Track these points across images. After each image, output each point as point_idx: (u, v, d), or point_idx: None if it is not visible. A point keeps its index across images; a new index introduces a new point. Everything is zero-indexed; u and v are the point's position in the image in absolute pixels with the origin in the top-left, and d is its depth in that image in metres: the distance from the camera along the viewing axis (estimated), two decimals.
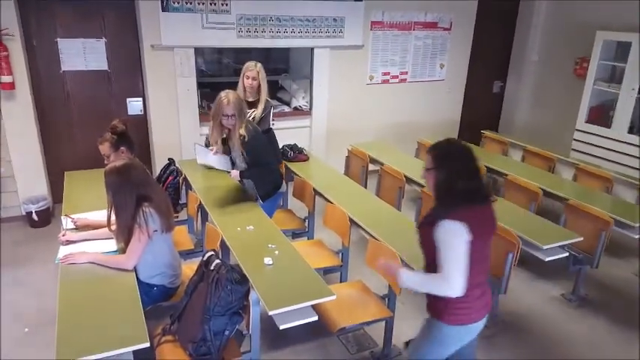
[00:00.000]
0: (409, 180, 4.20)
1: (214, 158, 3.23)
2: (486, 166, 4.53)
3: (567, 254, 3.18)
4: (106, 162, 3.02)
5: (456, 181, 1.90)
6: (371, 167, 4.59)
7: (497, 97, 7.04)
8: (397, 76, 5.94)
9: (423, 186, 3.94)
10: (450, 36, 6.08)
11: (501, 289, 3.04)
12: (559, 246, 3.12)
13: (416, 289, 2.03)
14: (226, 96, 3.04)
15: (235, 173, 3.21)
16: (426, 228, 1.95)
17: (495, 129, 6.92)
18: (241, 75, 3.75)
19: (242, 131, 3.08)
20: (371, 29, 5.57)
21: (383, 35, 5.67)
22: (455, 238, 1.86)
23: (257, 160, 3.17)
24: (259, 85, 3.72)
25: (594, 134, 5.43)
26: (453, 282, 1.87)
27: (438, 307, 2.03)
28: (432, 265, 1.98)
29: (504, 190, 4.20)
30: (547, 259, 3.07)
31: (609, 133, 5.29)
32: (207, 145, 3.48)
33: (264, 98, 3.74)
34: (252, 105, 3.74)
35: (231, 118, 3.04)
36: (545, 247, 3.05)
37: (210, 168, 3.51)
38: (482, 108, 6.87)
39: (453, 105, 6.45)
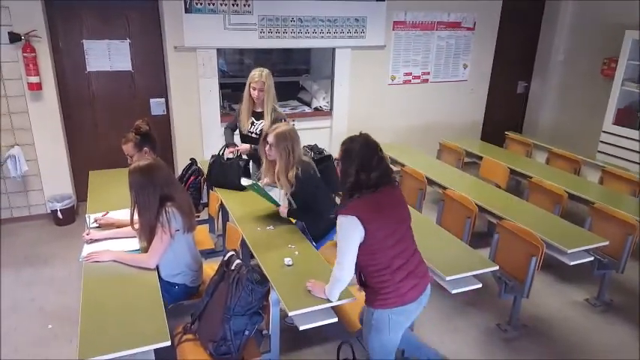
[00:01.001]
0: (430, 181, 4.18)
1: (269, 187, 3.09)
2: (510, 168, 4.47)
3: (592, 258, 3.12)
4: (129, 162, 3.07)
5: (350, 174, 2.06)
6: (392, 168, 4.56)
7: (521, 98, 6.93)
8: (419, 77, 5.90)
9: (445, 188, 3.92)
10: (474, 36, 6.00)
11: (524, 293, 3.00)
12: (584, 250, 3.07)
13: (335, 293, 2.23)
14: (276, 127, 2.84)
15: (284, 210, 2.97)
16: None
17: (519, 130, 6.81)
18: (247, 85, 3.55)
19: (291, 175, 2.81)
20: (393, 29, 5.54)
21: (405, 35, 5.64)
22: (346, 232, 2.04)
23: (308, 206, 2.88)
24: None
25: (621, 136, 5.29)
26: (345, 268, 2.11)
27: (368, 297, 2.20)
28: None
29: (528, 192, 4.13)
30: (571, 263, 3.02)
31: (637, 135, 5.15)
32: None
33: (269, 109, 3.53)
34: (261, 116, 3.62)
35: (271, 148, 2.82)
36: (569, 250, 3.00)
37: (251, 189, 3.17)
38: (505, 109, 6.77)
39: (476, 106, 6.37)
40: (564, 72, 6.38)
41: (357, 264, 2.13)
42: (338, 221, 2.06)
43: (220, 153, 3.62)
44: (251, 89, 3.54)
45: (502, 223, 3.21)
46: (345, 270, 2.13)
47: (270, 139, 2.82)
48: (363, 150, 2.10)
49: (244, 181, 3.21)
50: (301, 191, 2.84)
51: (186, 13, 4.57)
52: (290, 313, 2.21)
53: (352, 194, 2.08)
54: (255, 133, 3.62)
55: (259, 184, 3.05)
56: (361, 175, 2.06)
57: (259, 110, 3.64)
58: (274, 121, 3.43)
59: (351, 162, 2.09)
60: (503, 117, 6.72)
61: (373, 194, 2.08)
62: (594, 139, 5.58)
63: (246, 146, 3.61)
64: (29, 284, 3.60)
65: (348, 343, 2.65)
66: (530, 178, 4.18)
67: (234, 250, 2.60)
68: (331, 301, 2.27)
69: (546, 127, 6.64)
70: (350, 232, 2.03)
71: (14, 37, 4.06)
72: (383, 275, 2.12)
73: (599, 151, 5.45)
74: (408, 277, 2.16)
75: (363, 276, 2.19)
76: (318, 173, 2.91)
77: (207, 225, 3.79)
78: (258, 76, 3.47)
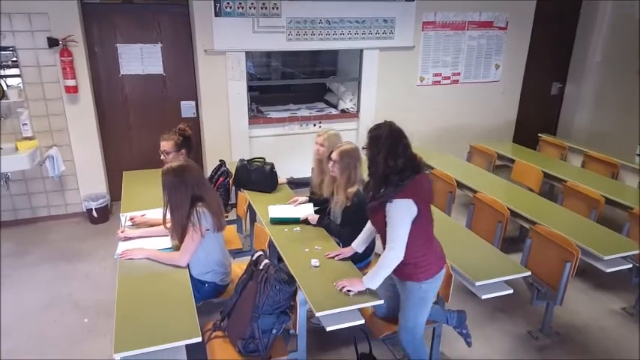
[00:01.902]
0: (460, 185, 4.15)
1: (296, 209, 3.19)
2: (543, 172, 4.39)
3: (630, 265, 3.03)
4: (163, 158, 3.19)
5: (388, 161, 2.15)
6: None
7: (555, 100, 6.78)
8: (449, 77, 5.85)
9: (475, 191, 3.89)
10: (506, 35, 5.92)
11: (557, 300, 2.95)
12: (621, 257, 2.99)
13: (377, 280, 2.30)
14: (340, 145, 2.93)
15: (314, 219, 3.05)
16: (377, 208, 2.24)
17: (553, 133, 6.67)
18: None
19: (350, 191, 2.87)
20: (422, 30, 5.52)
21: (435, 35, 5.61)
22: (402, 214, 2.16)
23: (353, 225, 2.85)
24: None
25: None
26: (397, 251, 2.21)
27: (408, 272, 2.32)
28: (384, 238, 2.27)
29: (563, 197, 4.05)
30: (608, 270, 2.95)
31: None
32: None
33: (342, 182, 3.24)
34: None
35: (334, 164, 2.90)
36: (606, 257, 2.93)
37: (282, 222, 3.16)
38: (539, 110, 6.65)
39: (509, 107, 6.28)
40: (601, 73, 6.22)
41: None
42: (393, 206, 2.16)
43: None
44: (316, 144, 3.39)
45: (535, 227, 3.17)
46: (399, 253, 2.22)
47: (334, 156, 2.91)
48: (389, 137, 2.20)
49: (272, 211, 3.21)
50: (354, 209, 2.88)
51: (215, 16, 4.68)
52: (317, 314, 2.24)
53: (383, 180, 2.19)
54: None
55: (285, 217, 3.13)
56: (389, 162, 2.16)
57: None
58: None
59: (379, 149, 2.18)
60: (537, 119, 6.59)
61: (415, 179, 2.19)
62: (632, 142, 5.42)
63: (314, 217, 3.20)
64: (66, 279, 3.75)
65: (364, 334, 2.65)
66: (565, 182, 4.09)
67: (262, 250, 2.66)
68: (371, 289, 2.33)
69: (582, 130, 6.48)
70: (406, 214, 2.17)
71: (52, 42, 4.25)
72: (426, 248, 2.32)
73: (637, 154, 5.28)
74: (437, 247, 2.42)
75: (405, 255, 2.25)
76: None
77: (235, 225, 3.87)
78: (324, 132, 3.37)
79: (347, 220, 2.96)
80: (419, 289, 2.35)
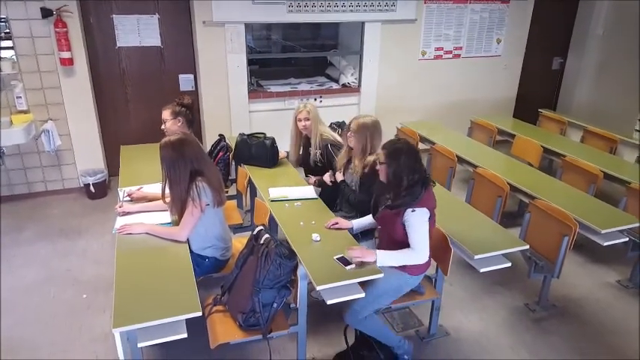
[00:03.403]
0: (461, 160, 4.12)
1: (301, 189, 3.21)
2: (543, 147, 4.36)
3: (627, 239, 3.04)
4: (162, 127, 3.20)
5: (404, 175, 2.34)
6: (421, 146, 4.51)
7: (556, 74, 6.70)
8: (451, 52, 5.75)
9: (475, 166, 3.86)
10: (509, 9, 5.79)
11: (554, 273, 2.96)
12: (618, 230, 2.98)
13: (391, 264, 2.42)
14: (359, 117, 2.99)
15: (327, 177, 3.20)
16: (393, 217, 2.40)
17: (553, 108, 6.61)
18: (293, 120, 3.55)
19: (368, 159, 2.92)
20: (425, 2, 5.39)
21: (437, 8, 5.48)
22: (422, 219, 2.36)
23: (368, 196, 2.83)
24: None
25: None
26: (424, 254, 2.39)
27: (403, 265, 2.46)
28: (394, 242, 2.44)
29: (562, 171, 4.03)
30: (605, 243, 2.95)
31: None
32: None
33: (316, 137, 3.47)
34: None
35: (352, 134, 2.96)
36: (603, 231, 2.92)
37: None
38: (540, 85, 6.57)
39: (510, 82, 6.20)
40: (602, 47, 6.11)
41: (405, 242, 2.42)
42: (416, 214, 2.34)
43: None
44: (297, 121, 3.51)
45: (534, 202, 3.15)
46: (424, 256, 2.40)
47: (353, 126, 2.97)
48: (409, 153, 2.38)
49: (272, 193, 3.18)
50: (369, 179, 2.88)
51: None
52: (317, 288, 2.24)
53: (405, 192, 2.35)
54: (316, 162, 3.55)
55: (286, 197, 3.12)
56: (411, 176, 2.35)
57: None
58: (320, 145, 3.47)
59: (399, 163, 2.35)
60: (537, 94, 6.52)
61: (427, 190, 2.39)
62: (632, 118, 5.37)
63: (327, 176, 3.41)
64: (64, 255, 3.74)
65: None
66: (564, 156, 4.06)
67: (263, 225, 2.63)
68: (379, 265, 2.39)
69: (582, 105, 6.41)
70: (425, 221, 2.37)
71: (46, 13, 4.12)
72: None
73: (636, 130, 5.24)
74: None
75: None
76: None
77: (236, 201, 3.84)
78: (303, 106, 3.49)
79: (362, 187, 2.98)
80: (406, 279, 2.51)
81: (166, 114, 3.23)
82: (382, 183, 2.49)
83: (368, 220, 2.77)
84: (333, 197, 3.22)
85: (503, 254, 2.66)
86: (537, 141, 4.43)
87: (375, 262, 2.36)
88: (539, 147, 4.36)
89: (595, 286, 3.52)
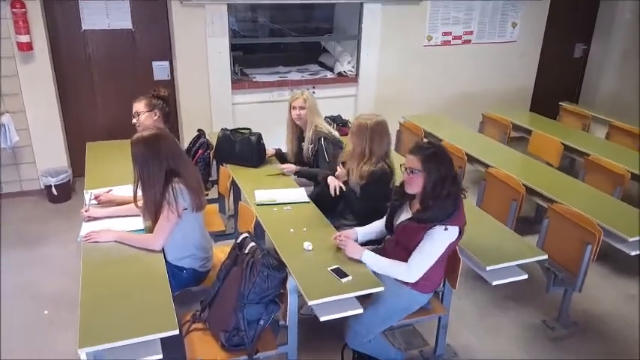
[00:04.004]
0: (471, 158, 4.14)
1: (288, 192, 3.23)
2: (564, 144, 4.39)
3: None
4: (134, 121, 3.18)
5: (446, 185, 2.32)
6: None
7: (578, 63, 6.75)
8: (460, 37, 5.79)
9: (488, 166, 3.88)
10: None
11: (576, 286, 2.98)
12: None
13: (374, 269, 2.44)
14: (364, 116, 3.01)
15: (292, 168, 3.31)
16: (416, 227, 2.38)
17: (575, 100, 6.65)
18: (288, 108, 3.59)
19: (364, 169, 2.92)
20: None
21: None
22: (445, 242, 2.36)
23: (369, 201, 2.95)
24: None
25: None
26: (415, 274, 2.40)
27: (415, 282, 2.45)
28: (408, 255, 2.42)
29: (584, 172, 4.06)
30: (633, 252, 2.98)
31: None
32: None
33: (310, 130, 3.50)
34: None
35: (352, 135, 2.97)
36: (631, 239, 2.95)
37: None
38: (560, 75, 6.62)
39: (526, 71, 6.24)
40: (630, 33, 6.17)
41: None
42: (445, 234, 2.34)
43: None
44: (292, 109, 3.55)
45: (553, 206, 3.18)
46: (415, 278, 2.42)
47: (353, 126, 2.99)
48: (449, 160, 2.37)
49: (258, 196, 3.19)
50: (371, 187, 2.92)
51: None
52: (309, 303, 2.24)
53: (438, 206, 2.34)
54: (309, 159, 3.59)
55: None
56: (453, 187, 2.34)
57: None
58: (313, 140, 3.49)
59: (441, 174, 2.32)
60: (557, 85, 6.57)
61: (461, 203, 2.40)
62: None
63: (292, 166, 3.57)
64: (23, 266, 3.73)
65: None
66: (587, 155, 4.10)
67: (248, 232, 2.64)
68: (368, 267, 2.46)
69: (607, 97, 6.47)
70: (445, 244, 2.37)
71: None
72: (442, 265, 2.53)
73: None
74: None
75: None
76: (392, 184, 2.97)
77: (217, 204, 3.85)
78: (299, 94, 3.55)
79: (364, 194, 2.99)
80: (416, 297, 2.52)
81: (140, 106, 3.22)
82: (403, 191, 2.48)
83: (375, 228, 2.77)
84: (333, 202, 3.19)
85: (518, 265, 2.68)
86: (557, 137, 4.46)
87: (359, 260, 2.45)
88: (560, 144, 4.39)
89: (621, 300, 3.56)
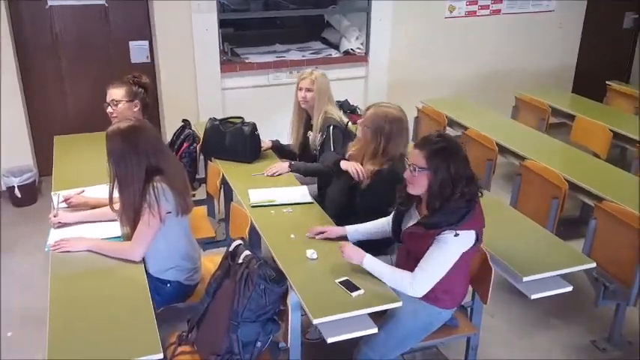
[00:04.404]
0: (503, 149, 4.12)
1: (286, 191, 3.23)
2: (612, 131, 4.35)
3: None
4: (110, 111, 3.18)
5: (457, 187, 2.29)
6: (450, 132, 4.52)
7: (628, 35, 6.72)
8: (488, 7, 5.77)
9: (523, 158, 3.86)
10: None
11: (630, 300, 2.96)
12: None
13: (374, 274, 2.44)
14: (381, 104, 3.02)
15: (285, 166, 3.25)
16: (424, 233, 2.37)
17: (626, 79, 6.61)
18: (295, 89, 3.63)
19: (370, 167, 2.94)
20: None
21: None
22: (458, 250, 2.35)
23: (372, 201, 2.96)
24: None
25: None
26: (420, 287, 2.39)
27: (433, 296, 2.45)
28: (411, 264, 2.44)
29: (638, 164, 4.03)
30: None
31: None
32: None
33: (318, 116, 3.53)
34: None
35: (364, 126, 2.96)
36: None
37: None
38: (607, 50, 6.59)
39: (566, 46, 6.23)
40: None
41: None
42: (456, 240, 2.31)
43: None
44: (298, 90, 3.58)
45: (602, 205, 3.16)
46: (420, 292, 2.41)
47: (367, 117, 2.97)
48: (461, 156, 2.34)
49: (253, 196, 3.19)
50: (372, 193, 2.93)
51: None
52: (314, 321, 2.23)
53: (447, 209, 2.33)
54: (316, 150, 3.61)
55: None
56: (465, 189, 2.31)
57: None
58: (322, 128, 3.50)
59: (450, 173, 2.29)
60: (604, 61, 6.54)
61: (476, 204, 2.38)
62: None
63: (284, 165, 3.54)
64: None
65: None
66: None
67: (242, 238, 2.64)
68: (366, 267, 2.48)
69: None
70: (459, 251, 2.36)
71: None
72: (463, 276, 2.54)
73: None
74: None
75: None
76: None
77: (206, 207, 3.85)
78: (308, 73, 3.57)
79: (366, 194, 2.97)
80: (437, 314, 2.52)
81: (119, 94, 3.20)
82: (408, 193, 2.46)
83: (371, 229, 2.76)
84: (344, 203, 3.17)
85: (561, 275, 2.66)
86: (605, 123, 4.44)
87: (360, 264, 2.46)
88: (608, 131, 4.36)
89: None
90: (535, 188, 3.58)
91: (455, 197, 2.30)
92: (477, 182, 2.38)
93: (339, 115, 3.59)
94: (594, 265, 2.74)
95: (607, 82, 5.61)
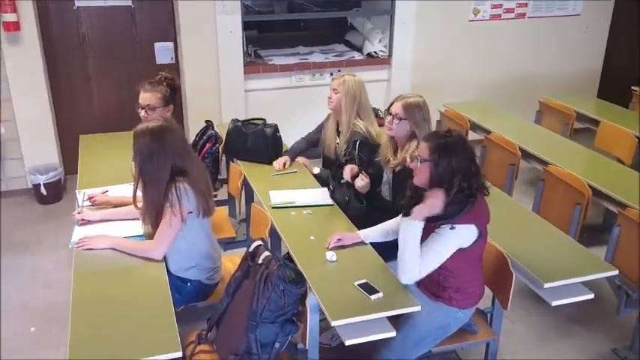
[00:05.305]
0: (526, 154, 4.08)
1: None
2: (637, 137, 4.28)
3: None
4: (143, 115, 3.16)
5: (455, 180, 2.31)
6: (472, 136, 4.48)
7: None
8: (513, 10, 5.72)
9: (546, 163, 3.82)
10: None
11: None
12: None
13: (408, 242, 2.39)
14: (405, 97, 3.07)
15: (349, 171, 3.12)
16: (428, 226, 2.37)
17: None
18: None
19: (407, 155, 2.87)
20: None
21: None
22: (455, 242, 2.36)
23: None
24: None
25: None
26: (413, 277, 2.39)
27: (447, 295, 2.47)
28: None
29: None
30: None
31: None
32: None
33: (347, 121, 3.44)
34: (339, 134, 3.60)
35: (396, 120, 2.97)
36: None
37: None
38: (634, 55, 6.46)
39: (592, 50, 6.14)
40: None
41: (446, 267, 2.42)
42: (453, 233, 2.33)
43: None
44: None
45: (626, 212, 3.10)
46: (411, 279, 2.42)
47: (396, 108, 2.99)
48: (466, 152, 2.36)
49: (274, 197, 3.19)
50: (407, 174, 2.86)
51: None
52: (333, 323, 2.23)
53: (453, 203, 2.33)
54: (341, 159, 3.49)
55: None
56: (463, 183, 2.32)
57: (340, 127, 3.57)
58: (348, 141, 3.40)
59: (451, 166, 2.31)
60: (630, 66, 6.41)
61: (477, 200, 2.38)
62: None
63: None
64: (7, 275, 3.79)
65: None
66: None
67: (262, 239, 2.64)
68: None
69: None
70: (457, 244, 2.36)
71: None
72: (476, 273, 2.53)
73: None
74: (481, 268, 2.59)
75: (446, 279, 2.45)
76: None
77: (227, 207, 3.87)
78: (339, 75, 3.52)
79: (398, 188, 2.96)
80: (454, 315, 2.51)
81: (154, 99, 3.18)
82: (415, 187, 2.46)
83: (385, 227, 2.76)
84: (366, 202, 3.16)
85: (583, 282, 2.62)
86: (630, 129, 4.36)
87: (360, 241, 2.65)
88: (633, 137, 4.29)
89: None
90: (558, 194, 3.54)
91: (453, 191, 2.31)
92: (480, 179, 2.40)
93: (366, 127, 3.42)
94: (617, 272, 2.69)
95: (632, 88, 5.51)
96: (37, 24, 4.58)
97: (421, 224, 2.36)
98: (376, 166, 3.21)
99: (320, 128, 3.75)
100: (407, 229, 2.38)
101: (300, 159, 3.71)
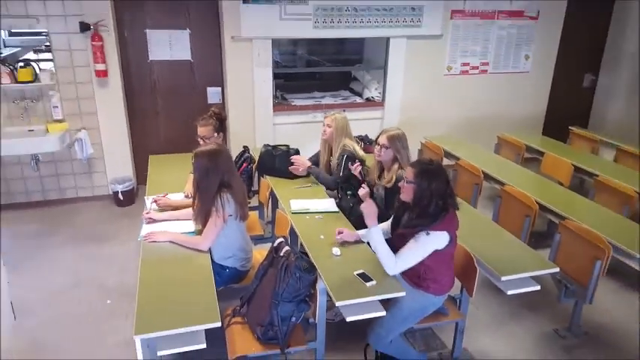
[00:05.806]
0: (487, 177, 4.01)
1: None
2: (574, 165, 4.20)
3: None
4: (202, 143, 3.17)
5: (433, 199, 2.27)
6: (445, 162, 4.42)
7: (587, 92, 6.50)
8: (477, 67, 5.66)
9: (503, 184, 3.75)
10: (537, 25, 5.68)
11: (587, 299, 2.81)
12: None
13: (373, 244, 2.39)
14: (389, 130, 3.04)
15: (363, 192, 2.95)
16: (408, 233, 2.35)
17: (585, 125, 6.40)
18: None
19: (396, 170, 2.93)
20: (451, 18, 5.34)
21: (464, 24, 5.42)
22: (430, 246, 2.30)
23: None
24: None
25: None
26: (397, 268, 2.34)
27: (425, 285, 2.43)
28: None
29: (594, 192, 3.87)
30: None
31: None
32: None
33: (337, 147, 3.45)
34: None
35: (383, 149, 2.96)
36: None
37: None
38: (570, 102, 6.38)
39: (538, 98, 6.05)
40: (636, 65, 5.91)
41: (426, 264, 2.37)
42: (428, 238, 2.29)
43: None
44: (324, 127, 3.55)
45: (564, 222, 3.03)
46: (395, 272, 2.37)
47: (382, 140, 2.97)
48: (443, 177, 2.32)
49: (293, 205, 3.15)
50: (397, 189, 2.85)
51: (243, 3, 4.60)
52: (337, 303, 2.19)
53: (425, 212, 2.30)
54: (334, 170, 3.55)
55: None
56: (439, 201, 2.28)
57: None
58: (338, 156, 3.43)
59: (430, 186, 2.27)
60: (568, 111, 6.33)
61: (449, 213, 2.34)
62: None
63: (307, 164, 3.58)
64: (90, 261, 3.79)
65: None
66: (597, 176, 3.91)
67: (283, 237, 2.61)
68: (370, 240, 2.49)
69: (614, 123, 6.19)
70: (431, 247, 2.31)
71: (84, 27, 4.25)
72: (449, 269, 2.47)
73: None
74: (453, 265, 2.52)
75: (425, 272, 2.40)
76: None
77: (257, 211, 3.83)
78: (332, 114, 3.53)
79: (389, 201, 2.93)
80: (430, 299, 2.46)
81: (207, 131, 3.20)
82: (402, 201, 2.43)
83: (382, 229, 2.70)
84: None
85: (531, 276, 2.55)
86: (568, 159, 4.28)
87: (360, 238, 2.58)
88: (570, 165, 4.21)
89: (630, 313, 3.34)
90: (512, 208, 3.47)
91: (431, 208, 2.28)
92: (454, 198, 2.36)
93: (353, 145, 3.48)
94: (558, 269, 2.63)
95: (570, 127, 5.44)
96: (120, 72, 4.62)
97: (376, 229, 2.37)
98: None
99: (318, 154, 3.74)
100: (370, 236, 2.41)
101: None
